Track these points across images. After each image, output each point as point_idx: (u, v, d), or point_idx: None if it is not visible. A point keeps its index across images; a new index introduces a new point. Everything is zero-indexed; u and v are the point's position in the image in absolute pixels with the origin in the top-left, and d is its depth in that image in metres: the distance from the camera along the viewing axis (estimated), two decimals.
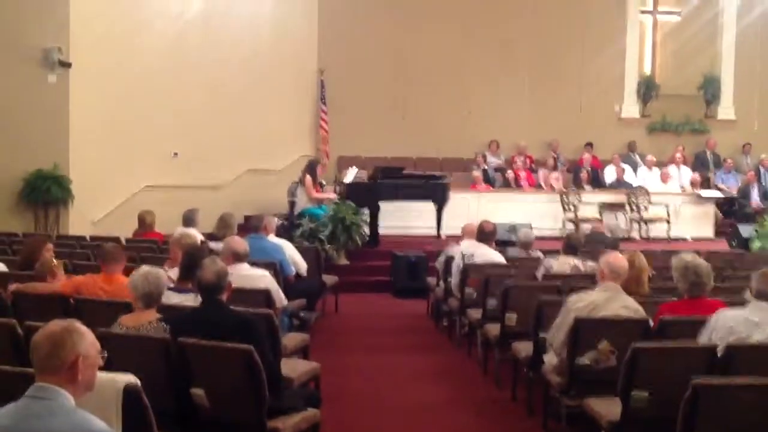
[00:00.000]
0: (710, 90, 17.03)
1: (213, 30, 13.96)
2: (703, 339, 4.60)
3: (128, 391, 3.23)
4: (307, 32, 15.85)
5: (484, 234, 8.31)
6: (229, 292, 4.48)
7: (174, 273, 5.54)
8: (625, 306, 5.15)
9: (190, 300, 5.09)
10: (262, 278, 6.20)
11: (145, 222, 9.92)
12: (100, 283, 5.41)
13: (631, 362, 4.34)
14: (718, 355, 4.37)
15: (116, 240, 9.73)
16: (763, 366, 4.23)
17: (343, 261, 11.54)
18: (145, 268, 4.48)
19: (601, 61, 16.56)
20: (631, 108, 17.08)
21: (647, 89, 16.96)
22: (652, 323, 5.08)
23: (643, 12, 17.15)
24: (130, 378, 3.27)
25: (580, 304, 5.18)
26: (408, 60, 16.32)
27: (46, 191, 11.71)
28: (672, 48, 17.18)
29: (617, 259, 5.31)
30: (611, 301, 5.16)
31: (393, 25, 16.24)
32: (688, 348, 4.49)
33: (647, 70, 17.26)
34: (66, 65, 11.73)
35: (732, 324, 4.48)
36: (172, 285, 5.35)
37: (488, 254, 8.16)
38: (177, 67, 13.37)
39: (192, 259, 5.14)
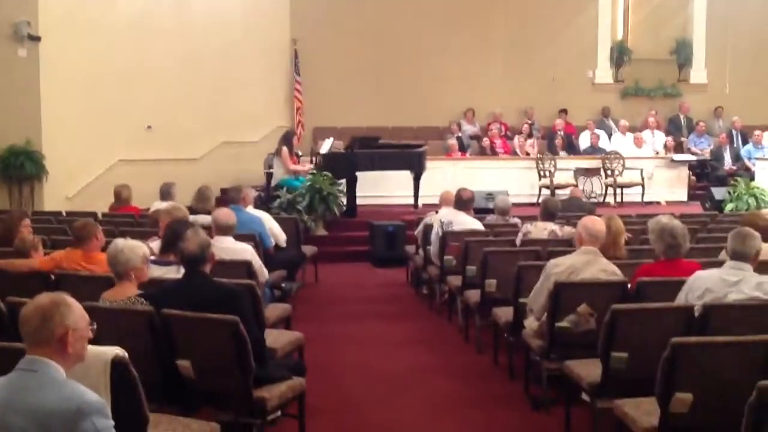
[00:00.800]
0: (682, 54, 17.14)
1: (182, 2, 13.78)
2: (681, 300, 4.69)
3: (116, 363, 3.25)
4: (279, 2, 15.70)
5: (462, 201, 8.35)
6: (212, 264, 4.49)
7: (157, 245, 5.54)
8: (603, 269, 5.24)
9: (173, 272, 5.10)
10: (244, 252, 6.22)
11: (121, 196, 9.86)
12: (78, 259, 5.40)
13: (610, 324, 4.42)
14: (695, 315, 4.46)
15: (92, 215, 9.69)
16: (739, 324, 4.33)
17: (322, 232, 11.55)
18: (119, 242, 4.48)
19: (574, 28, 16.61)
20: (604, 73, 17.14)
21: (620, 54, 17.05)
22: (630, 285, 5.17)
23: None
24: (117, 350, 3.29)
25: (559, 268, 5.25)
26: (382, 29, 16.24)
27: (20, 167, 11.59)
28: (644, 13, 17.23)
29: (594, 222, 5.38)
30: (590, 265, 5.24)
31: None
32: (666, 309, 4.57)
33: (620, 36, 17.31)
34: (35, 39, 11.56)
35: (708, 284, 4.57)
36: (154, 257, 5.36)
37: (467, 222, 8.20)
38: (148, 39, 13.21)
39: (174, 232, 5.15)
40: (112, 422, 2.57)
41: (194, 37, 13.91)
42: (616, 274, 5.23)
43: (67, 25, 12.01)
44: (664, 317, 4.50)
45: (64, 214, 10.12)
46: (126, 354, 3.31)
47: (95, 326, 2.84)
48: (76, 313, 2.69)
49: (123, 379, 3.25)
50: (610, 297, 4.99)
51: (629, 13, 17.42)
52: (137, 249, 4.47)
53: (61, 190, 12.20)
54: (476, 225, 8.26)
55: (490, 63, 16.56)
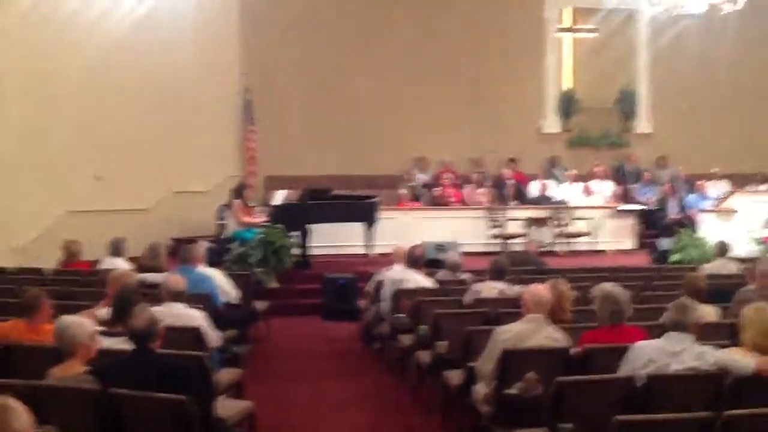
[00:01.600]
0: (628, 104, 17.57)
1: (134, 51, 13.70)
2: (624, 370, 4.80)
3: None
4: (229, 51, 15.74)
5: (414, 259, 8.45)
6: (162, 339, 4.48)
7: (106, 312, 5.51)
8: (548, 336, 5.35)
9: (121, 343, 5.05)
10: (195, 318, 6.19)
11: (70, 251, 9.74)
12: (24, 332, 5.33)
13: (556, 396, 4.52)
14: (638, 385, 4.57)
15: (38, 272, 9.57)
16: (681, 395, 4.46)
17: (274, 284, 11.51)
18: (66, 318, 4.45)
19: (523, 78, 16.95)
20: (552, 123, 17.48)
21: (568, 104, 17.40)
22: (575, 350, 5.28)
23: (561, 30, 17.59)
24: None
25: (507, 335, 5.35)
26: (337, 78, 16.39)
27: None
28: (591, 63, 17.65)
29: (539, 290, 5.51)
30: (536, 332, 5.35)
31: (321, 41, 16.29)
32: (610, 379, 4.69)
33: (567, 86, 17.70)
34: None
35: (651, 354, 4.69)
36: (103, 328, 5.32)
37: (418, 281, 8.29)
38: (98, 88, 13.12)
39: (123, 302, 5.12)
40: None
41: (144, 86, 13.83)
42: (561, 341, 5.34)
43: (17, 74, 11.93)
44: (608, 388, 4.61)
45: (9, 270, 9.94)
46: None
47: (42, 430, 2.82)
48: (22, 417, 2.67)
49: None
50: (557, 363, 5.11)
51: (576, 63, 17.83)
52: (84, 326, 4.45)
53: (8, 242, 11.98)
54: (427, 283, 8.35)
55: (442, 111, 16.74)
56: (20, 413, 2.67)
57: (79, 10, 12.72)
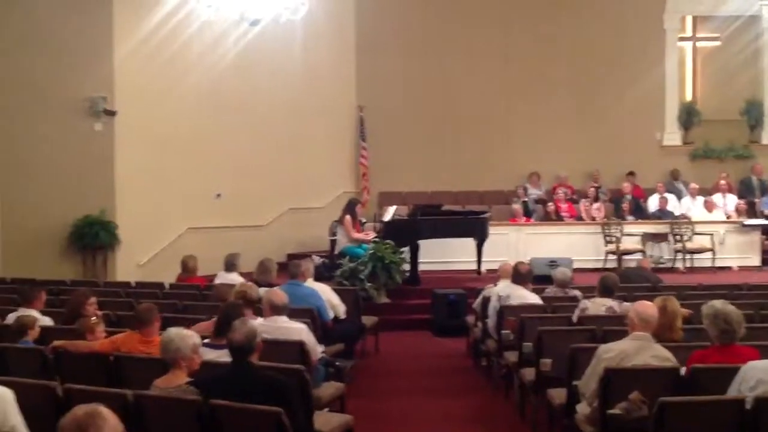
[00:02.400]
0: (753, 115, 16.84)
1: (249, 72, 14.21)
2: (733, 391, 4.58)
3: None
4: (345, 69, 16.09)
5: (520, 275, 8.31)
6: (260, 352, 4.58)
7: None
8: (655, 355, 5.15)
9: (225, 356, 5.19)
10: (299, 332, 6.28)
11: (188, 267, 10.12)
12: (136, 343, 5.57)
13: (659, 416, 4.35)
14: (747, 407, 4.35)
15: (160, 286, 9.99)
16: None
17: (384, 300, 11.59)
18: (171, 331, 4.62)
19: (641, 89, 16.50)
20: (672, 135, 16.96)
21: (688, 116, 16.85)
22: (684, 370, 5.07)
23: (682, 39, 17.06)
24: None
25: (610, 354, 5.19)
26: (447, 93, 16.47)
27: (94, 236, 12.06)
28: (712, 73, 17.07)
29: (646, 308, 5.32)
30: (641, 351, 5.17)
31: (431, 59, 16.42)
32: (716, 401, 4.47)
33: (688, 97, 17.15)
34: (111, 113, 12.11)
35: (761, 375, 4.46)
36: (207, 340, 5.50)
37: (525, 296, 8.15)
38: (216, 111, 13.67)
39: (227, 316, 5.27)
40: None
41: (260, 107, 14.35)
42: (668, 360, 5.14)
43: (140, 99, 12.54)
44: (714, 410, 4.40)
45: (133, 284, 10.43)
46: None
47: None
48: (110, 424, 2.78)
49: None
50: (663, 384, 4.92)
51: (697, 73, 17.27)
52: (188, 339, 4.61)
53: (133, 258, 12.60)
54: (533, 299, 8.21)
55: (556, 125, 16.56)
56: (110, 420, 2.78)
57: (192, 36, 13.24)
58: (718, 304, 5.23)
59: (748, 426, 4.31)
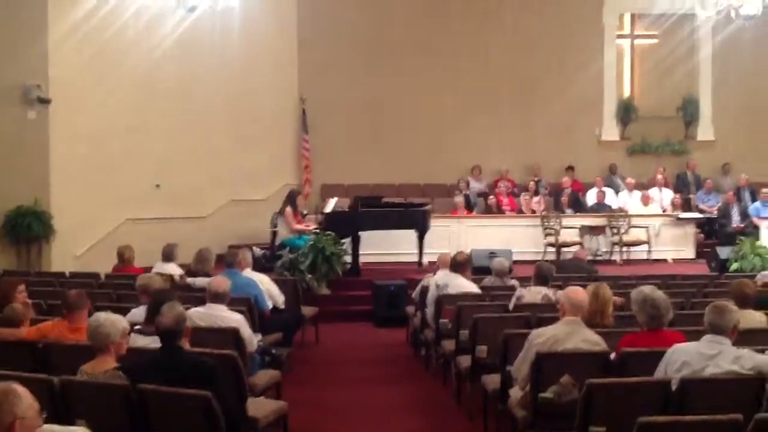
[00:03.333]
0: (689, 111, 17.18)
1: (186, 60, 14.03)
2: (660, 373, 4.67)
3: None
4: (286, 59, 15.96)
5: (458, 264, 8.37)
6: (189, 336, 4.53)
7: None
8: (585, 339, 5.23)
9: (155, 342, 5.12)
10: (235, 321, 6.24)
11: (123, 257, 9.96)
12: (64, 330, 5.46)
13: (587, 398, 4.42)
14: (672, 389, 4.44)
15: (95, 276, 9.81)
16: (716, 399, 4.31)
17: (325, 291, 11.56)
18: (100, 315, 4.54)
19: (581, 85, 16.68)
20: (611, 131, 17.23)
21: (626, 112, 17.12)
22: (614, 355, 5.16)
23: (620, 36, 17.34)
24: (80, 430, 3.32)
25: (542, 338, 5.26)
26: (390, 86, 16.45)
27: (27, 227, 11.76)
28: (650, 70, 17.37)
29: (577, 293, 5.39)
30: (572, 335, 5.24)
31: (373, 52, 16.41)
32: (643, 382, 4.56)
33: (626, 93, 17.44)
34: (45, 102, 11.82)
35: (686, 357, 4.56)
36: (139, 327, 5.42)
37: (462, 285, 8.21)
38: (154, 100, 13.47)
39: (157, 303, 5.18)
40: None
41: (200, 95, 14.18)
42: (598, 345, 5.22)
43: (76, 88, 12.27)
44: (641, 391, 4.49)
45: (67, 274, 10.22)
46: None
47: (45, 415, 2.87)
48: (25, 402, 2.72)
49: None
50: (593, 367, 5.00)
51: (635, 70, 17.57)
52: (117, 323, 4.53)
53: (69, 250, 12.34)
54: (471, 288, 8.27)
55: (497, 120, 16.68)
56: (24, 398, 2.72)
57: (128, 22, 13.01)
58: (646, 289, 5.33)
59: (673, 406, 4.39)
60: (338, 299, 11.55)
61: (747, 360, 4.46)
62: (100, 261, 11.44)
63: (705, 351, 4.53)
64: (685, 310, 7.33)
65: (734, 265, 11.85)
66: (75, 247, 12.45)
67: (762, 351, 4.70)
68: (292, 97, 16.16)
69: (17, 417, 2.68)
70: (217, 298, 6.45)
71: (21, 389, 2.76)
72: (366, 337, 10.46)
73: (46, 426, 3.31)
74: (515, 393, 5.50)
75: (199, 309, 6.37)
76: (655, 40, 17.32)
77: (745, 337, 5.17)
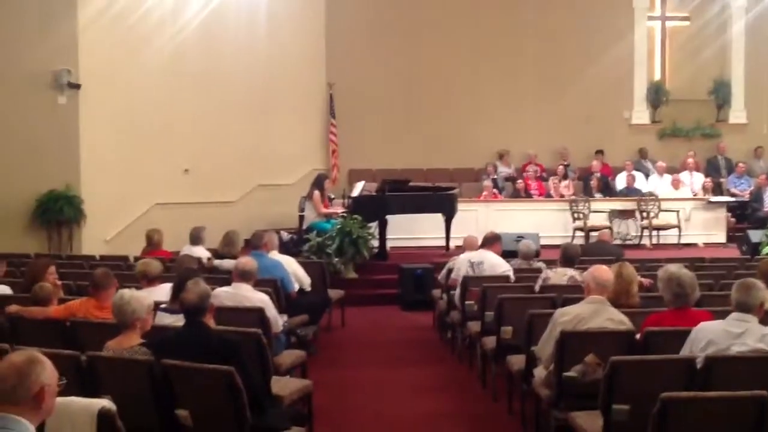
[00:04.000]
0: (721, 94, 16.95)
1: (214, 45, 14.11)
2: (685, 351, 4.63)
3: (102, 416, 3.32)
4: (315, 47, 15.97)
5: (487, 240, 8.39)
6: (212, 313, 4.57)
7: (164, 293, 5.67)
8: (610, 318, 5.19)
9: (181, 320, 5.17)
10: (260, 301, 6.28)
11: (152, 240, 10.03)
12: (91, 308, 5.54)
13: (611, 376, 4.39)
14: (698, 367, 4.40)
15: (125, 259, 9.92)
16: (742, 377, 4.26)
17: (352, 275, 11.58)
18: (125, 292, 4.59)
19: (610, 68, 16.52)
20: (641, 114, 17.06)
21: (657, 95, 16.93)
22: (638, 335, 5.12)
23: (651, 18, 17.12)
24: (104, 402, 3.36)
25: (566, 317, 5.22)
26: (417, 71, 16.42)
27: (59, 211, 11.92)
28: (681, 53, 17.14)
29: (602, 272, 5.35)
30: (597, 314, 5.21)
31: (401, 37, 16.35)
32: (667, 360, 4.52)
33: (656, 76, 17.23)
34: (75, 87, 11.94)
35: (711, 336, 4.51)
36: (164, 305, 5.48)
37: (497, 262, 8.20)
38: (182, 85, 13.54)
39: (182, 281, 5.24)
40: None
41: (229, 82, 14.24)
42: (623, 324, 5.18)
43: (105, 72, 12.38)
44: (665, 369, 4.45)
45: (98, 257, 10.35)
46: (114, 406, 3.38)
47: (64, 381, 2.91)
48: (48, 369, 2.77)
49: (110, 431, 3.31)
50: (618, 347, 4.96)
51: (666, 52, 17.34)
52: (143, 300, 4.59)
53: (99, 234, 12.48)
54: (506, 267, 8.24)
55: (525, 104, 16.59)
56: (48, 366, 2.76)
57: (153, 5, 13.08)
58: (672, 267, 5.28)
59: (698, 384, 4.35)
60: (365, 283, 11.57)
61: None
62: (129, 245, 11.55)
63: (731, 329, 4.48)
64: (713, 291, 7.25)
65: (766, 249, 11.67)
66: (105, 232, 12.60)
67: None
68: (319, 82, 16.15)
69: (44, 385, 2.73)
70: (243, 276, 6.50)
71: (43, 357, 2.80)
72: (392, 320, 10.47)
73: (70, 397, 3.38)
74: (539, 372, 5.48)
75: (226, 288, 6.42)
76: (686, 22, 17.07)
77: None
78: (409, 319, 10.50)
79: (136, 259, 9.98)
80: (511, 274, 8.15)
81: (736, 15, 16.75)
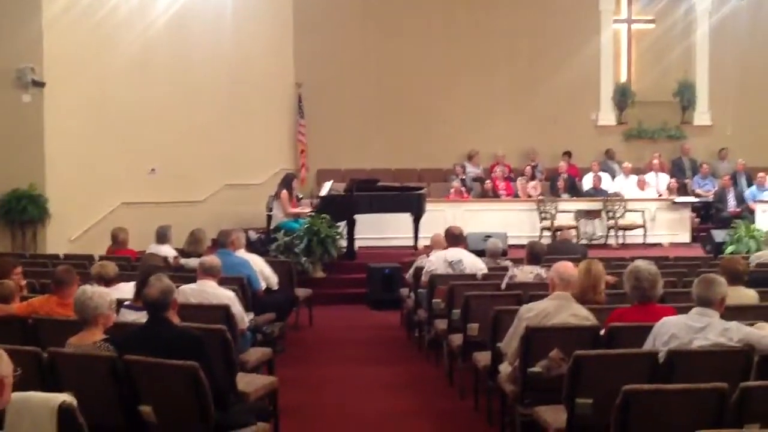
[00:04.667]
0: (686, 96, 17.14)
1: (181, 43, 14.00)
2: (648, 345, 4.67)
3: (63, 410, 3.27)
4: (283, 46, 15.91)
5: (456, 237, 8.40)
6: (176, 309, 4.53)
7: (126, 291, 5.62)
8: (574, 314, 5.23)
9: (145, 317, 5.13)
10: (224, 297, 6.25)
11: (118, 239, 9.95)
12: (53, 305, 5.48)
13: (575, 370, 4.42)
14: (660, 361, 4.44)
15: (89, 258, 9.81)
16: (703, 371, 4.30)
17: (320, 274, 11.57)
18: (87, 288, 4.54)
19: (577, 70, 16.64)
20: (607, 116, 17.21)
21: (623, 96, 17.09)
22: (603, 331, 5.16)
23: (617, 21, 17.28)
24: (64, 397, 3.32)
25: (531, 313, 5.26)
26: (386, 72, 16.45)
27: (22, 211, 11.76)
28: (647, 55, 17.32)
29: (566, 268, 5.39)
30: (561, 310, 5.24)
31: (369, 37, 16.36)
32: (630, 354, 4.57)
33: (623, 78, 17.39)
34: (40, 85, 11.78)
35: (674, 330, 4.55)
36: (128, 302, 5.43)
37: (476, 262, 8.25)
38: (148, 84, 13.41)
39: (145, 277, 5.18)
40: None
41: (197, 82, 14.13)
42: (587, 319, 5.22)
43: (70, 70, 12.23)
44: (628, 363, 4.49)
45: (62, 256, 10.22)
46: (74, 401, 3.33)
47: (19, 371, 2.85)
48: (5, 361, 2.73)
49: (70, 426, 3.27)
50: (582, 342, 4.99)
51: (632, 55, 17.51)
52: (105, 296, 4.54)
53: (64, 233, 12.32)
54: (482, 264, 8.28)
55: (494, 106, 16.65)
56: (5, 358, 2.72)
57: (117, 6, 12.96)
58: (638, 262, 5.32)
59: (660, 378, 4.39)
60: (333, 282, 11.57)
61: (735, 332, 4.46)
62: (95, 245, 11.44)
63: (693, 324, 4.53)
64: (677, 287, 7.33)
65: (729, 248, 11.82)
66: (70, 231, 12.44)
67: (751, 324, 4.69)
68: (287, 81, 16.11)
69: (3, 376, 2.69)
70: (208, 272, 6.46)
71: (0, 350, 2.76)
72: (360, 319, 10.48)
73: (30, 392, 3.33)
74: (505, 368, 5.50)
75: (192, 285, 6.38)
76: (651, 25, 17.24)
77: (736, 313, 5.15)
78: (376, 317, 10.52)
79: (101, 258, 9.88)
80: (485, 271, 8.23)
81: (700, 18, 16.94)
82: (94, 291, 4.54)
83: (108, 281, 6.02)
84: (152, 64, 13.53)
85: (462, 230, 8.61)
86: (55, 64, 11.97)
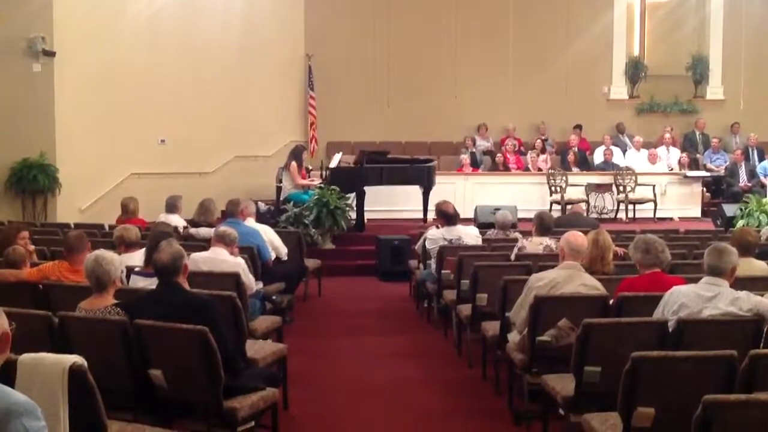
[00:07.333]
0: (698, 70, 17.00)
1: (193, 16, 13.98)
2: (657, 314, 4.67)
3: (74, 371, 3.28)
4: (293, 17, 15.82)
5: (453, 217, 8.37)
6: (186, 275, 4.54)
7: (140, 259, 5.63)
8: (584, 284, 5.23)
9: (155, 283, 5.15)
10: (235, 264, 6.27)
11: (128, 209, 9.94)
12: (64, 271, 5.50)
13: (583, 338, 4.42)
14: (669, 329, 4.44)
15: (100, 227, 9.85)
16: (712, 339, 4.30)
17: (329, 245, 11.59)
18: (97, 253, 4.55)
19: (589, 43, 16.54)
20: (619, 89, 17.09)
21: (635, 70, 16.96)
22: (612, 300, 5.16)
23: None
24: (75, 359, 3.33)
25: (541, 282, 5.25)
26: (396, 45, 16.34)
27: (33, 180, 11.80)
28: (660, 28, 17.16)
29: (576, 238, 5.38)
30: (571, 280, 5.24)
31: (380, 9, 16.24)
32: (639, 323, 4.56)
33: (635, 51, 17.24)
34: (50, 54, 11.78)
35: (684, 299, 4.54)
36: (138, 268, 5.45)
37: (470, 234, 8.23)
38: (158, 53, 13.40)
39: (155, 243, 5.20)
40: (43, 423, 2.53)
41: (208, 53, 14.10)
42: (597, 289, 5.22)
43: (81, 40, 12.23)
44: (637, 332, 4.48)
45: (72, 225, 10.25)
46: (85, 362, 3.35)
47: (14, 326, 2.83)
48: (3, 316, 2.72)
49: (80, 387, 3.29)
50: (591, 311, 4.99)
51: (645, 28, 17.35)
52: (116, 261, 4.55)
53: (74, 203, 12.38)
54: (479, 240, 8.29)
55: (504, 78, 16.54)
56: (2, 317, 2.71)
57: None
58: (647, 234, 5.32)
59: (669, 347, 4.38)
60: (342, 254, 11.58)
61: (745, 302, 4.45)
62: (104, 215, 11.50)
63: (703, 293, 4.52)
64: (686, 260, 7.32)
65: (740, 222, 11.77)
66: (80, 201, 12.50)
67: (761, 295, 4.68)
68: (298, 53, 16.02)
69: (4, 330, 2.69)
70: (223, 239, 6.48)
71: None
72: (369, 290, 10.49)
73: (41, 354, 3.35)
74: (513, 337, 5.52)
75: (203, 254, 6.41)
76: None
77: (747, 284, 5.12)
78: (385, 289, 10.53)
79: (111, 227, 9.92)
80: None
81: None
82: (104, 257, 4.55)
83: (129, 245, 6.05)
84: (162, 34, 13.50)
85: (454, 207, 8.54)
86: (66, 34, 11.97)
